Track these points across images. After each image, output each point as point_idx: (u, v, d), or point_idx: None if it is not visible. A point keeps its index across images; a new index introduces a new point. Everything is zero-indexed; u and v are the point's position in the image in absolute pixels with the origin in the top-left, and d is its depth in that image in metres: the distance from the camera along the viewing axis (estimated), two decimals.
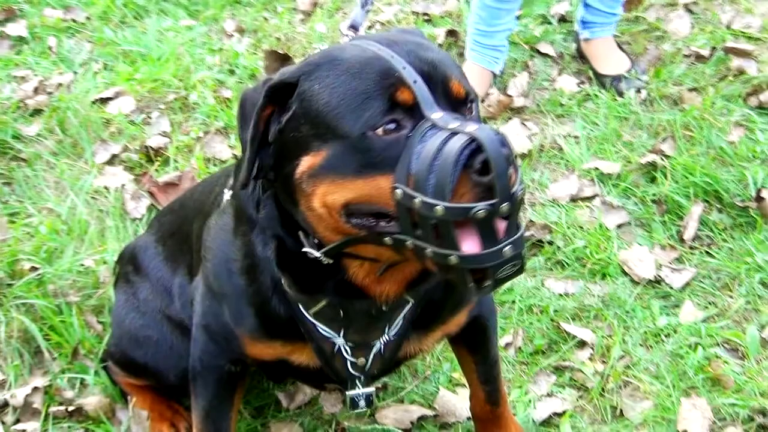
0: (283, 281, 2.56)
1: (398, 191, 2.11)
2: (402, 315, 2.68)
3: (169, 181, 4.57)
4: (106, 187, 4.59)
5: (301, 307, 2.61)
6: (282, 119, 2.30)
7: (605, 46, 5.52)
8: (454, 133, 2.07)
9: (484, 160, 2.03)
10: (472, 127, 2.06)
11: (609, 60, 5.46)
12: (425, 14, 6.01)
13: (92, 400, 3.59)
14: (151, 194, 4.55)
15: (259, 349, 2.79)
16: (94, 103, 5.15)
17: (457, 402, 3.60)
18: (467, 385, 3.31)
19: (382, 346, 2.75)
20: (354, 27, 2.83)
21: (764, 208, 4.39)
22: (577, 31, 5.60)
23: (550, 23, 5.94)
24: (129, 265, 3.56)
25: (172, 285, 3.35)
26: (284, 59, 5.45)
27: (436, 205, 2.05)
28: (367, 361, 2.77)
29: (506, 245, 2.09)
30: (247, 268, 2.65)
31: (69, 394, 3.64)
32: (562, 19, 5.99)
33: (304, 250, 2.42)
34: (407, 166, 2.11)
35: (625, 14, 5.76)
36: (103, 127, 4.99)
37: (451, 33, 5.78)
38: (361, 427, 3.54)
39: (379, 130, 2.15)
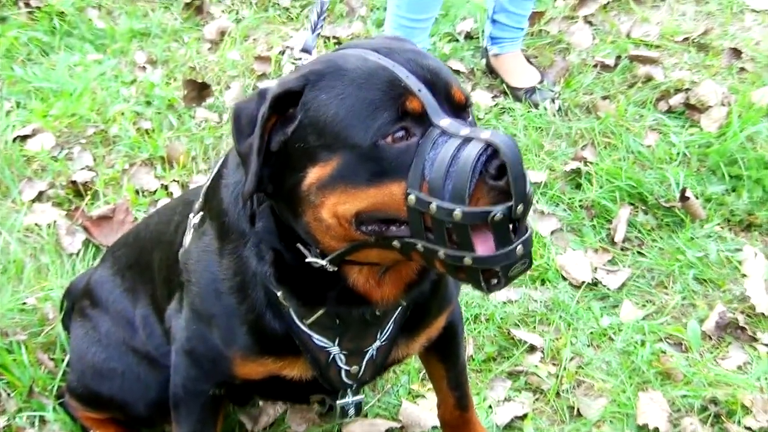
0: (280, 295, 2.56)
1: (411, 197, 2.15)
2: (392, 319, 2.71)
3: (102, 215, 4.52)
4: (37, 225, 4.52)
5: (296, 319, 2.62)
6: (287, 130, 2.31)
7: (515, 60, 5.66)
8: (467, 140, 2.13)
9: (499, 165, 2.09)
10: (486, 134, 2.11)
11: (520, 73, 5.60)
12: (334, 37, 6.06)
13: None
14: (85, 229, 4.49)
15: (250, 368, 2.78)
16: (14, 141, 5.06)
17: (420, 413, 3.66)
18: (436, 392, 3.36)
19: (374, 352, 2.78)
20: (306, 51, 2.87)
21: (689, 207, 4.56)
22: (486, 47, 5.72)
23: (457, 41, 6.06)
24: (85, 299, 3.52)
25: (134, 317, 3.33)
26: (202, 87, 5.46)
27: (454, 210, 2.09)
28: (360, 368, 2.79)
29: (518, 245, 2.15)
30: (238, 286, 2.64)
31: None
32: (468, 36, 6.12)
33: (307, 260, 2.43)
34: (420, 172, 2.15)
35: (529, 29, 5.90)
36: (25, 164, 4.92)
37: None
38: None
39: (389, 139, 2.18)
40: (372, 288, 2.52)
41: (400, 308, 2.70)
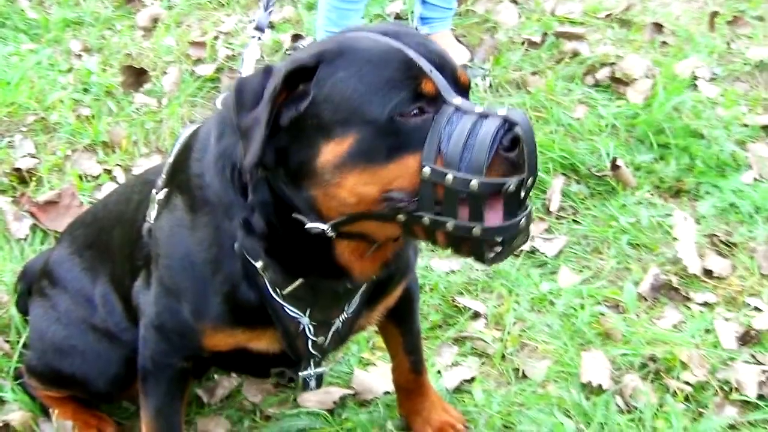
0: (259, 266, 2.61)
1: (426, 169, 2.22)
2: (360, 292, 2.80)
3: (48, 200, 4.57)
4: None
5: (270, 289, 2.67)
6: (300, 106, 2.34)
7: (445, 39, 5.77)
8: (483, 116, 2.23)
9: (513, 140, 2.20)
10: (502, 111, 2.23)
11: (450, 52, 5.70)
12: (269, 22, 6.13)
13: (17, 416, 3.59)
14: (32, 214, 4.54)
15: (219, 339, 2.83)
16: None
17: (372, 380, 3.76)
18: (391, 357, 3.46)
19: (340, 324, 2.86)
20: (259, 28, 2.94)
21: (620, 175, 4.73)
22: (416, 28, 5.82)
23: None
24: (44, 279, 3.56)
25: (93, 295, 3.37)
26: (140, 73, 5.52)
27: (471, 181, 2.18)
28: (326, 339, 2.86)
29: (522, 217, 2.25)
30: (213, 258, 2.68)
31: None
32: (398, 17, 6.24)
33: (307, 226, 2.44)
34: (437, 145, 2.22)
35: (456, 9, 6.02)
36: None
37: (297, 37, 5.95)
38: (286, 412, 3.66)
39: (405, 116, 2.26)
40: (354, 262, 2.58)
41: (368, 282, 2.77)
